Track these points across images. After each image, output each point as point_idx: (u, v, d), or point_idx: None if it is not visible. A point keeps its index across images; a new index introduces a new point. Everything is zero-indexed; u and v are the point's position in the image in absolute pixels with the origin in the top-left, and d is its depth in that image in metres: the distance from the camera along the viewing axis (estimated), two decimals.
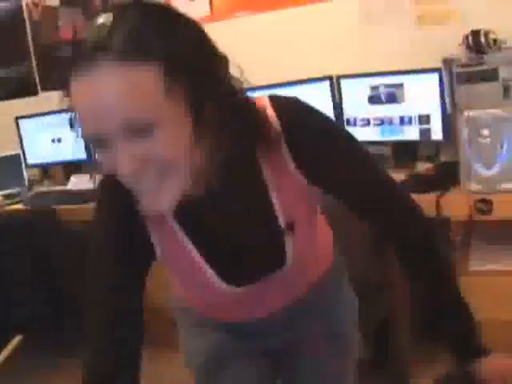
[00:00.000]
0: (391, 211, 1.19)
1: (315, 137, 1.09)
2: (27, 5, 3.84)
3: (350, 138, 1.16)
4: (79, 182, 3.49)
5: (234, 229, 1.14)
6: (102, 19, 0.89)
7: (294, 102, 1.12)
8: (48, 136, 3.69)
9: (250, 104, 1.05)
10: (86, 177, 3.52)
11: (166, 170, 0.93)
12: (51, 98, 3.82)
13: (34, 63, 3.91)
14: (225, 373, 1.39)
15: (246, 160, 1.08)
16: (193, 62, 0.92)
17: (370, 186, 1.16)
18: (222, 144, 1.00)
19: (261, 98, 1.10)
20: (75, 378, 1.08)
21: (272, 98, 1.10)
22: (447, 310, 1.20)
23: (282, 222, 1.14)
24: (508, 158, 2.34)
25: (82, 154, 3.57)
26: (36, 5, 3.82)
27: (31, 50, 3.90)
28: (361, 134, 2.72)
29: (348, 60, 2.88)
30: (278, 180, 1.11)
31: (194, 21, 0.97)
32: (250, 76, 1.07)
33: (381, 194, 1.18)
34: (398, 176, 2.55)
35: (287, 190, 1.13)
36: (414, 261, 1.21)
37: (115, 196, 1.04)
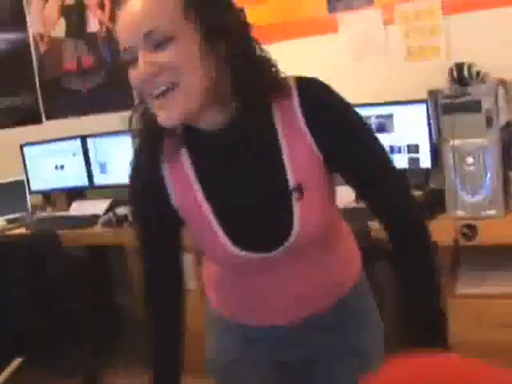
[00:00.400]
0: (389, 199, 1.30)
1: (329, 110, 1.23)
2: (34, 37, 3.98)
3: (363, 122, 1.29)
4: (81, 209, 3.59)
5: (245, 183, 1.24)
6: None
7: (317, 81, 1.27)
8: (51, 163, 3.79)
9: (265, 57, 1.21)
10: (88, 203, 3.63)
11: (174, 78, 1.11)
12: (55, 127, 3.96)
13: (39, 93, 4.04)
14: (234, 372, 1.47)
15: (259, 110, 1.19)
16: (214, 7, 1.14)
17: (375, 167, 1.28)
18: (225, 80, 1.15)
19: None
20: None
21: (297, 76, 1.26)
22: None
23: (291, 182, 1.22)
24: (491, 185, 2.44)
25: (84, 181, 3.69)
26: (42, 37, 3.96)
27: (36, 80, 4.03)
28: None
29: (340, 91, 2.98)
30: (291, 141, 1.21)
31: None
32: None
33: (383, 178, 1.28)
34: None
35: (299, 153, 1.22)
36: (402, 251, 1.31)
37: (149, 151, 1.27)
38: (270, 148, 1.22)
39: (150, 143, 1.25)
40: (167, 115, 1.13)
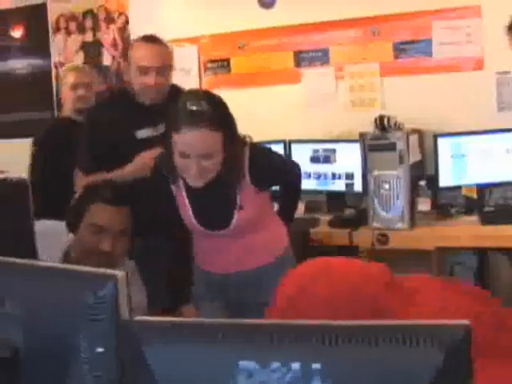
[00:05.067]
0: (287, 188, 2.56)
1: (264, 168, 2.27)
2: (55, 64, 4.84)
3: (283, 163, 2.50)
4: None
5: (211, 202, 2.23)
6: (199, 107, 2.05)
7: (261, 150, 2.35)
8: None
9: (240, 152, 2.19)
10: None
11: (209, 172, 2.10)
12: None
13: (56, 110, 4.87)
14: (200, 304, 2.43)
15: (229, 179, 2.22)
16: (233, 133, 2.14)
17: (284, 181, 2.55)
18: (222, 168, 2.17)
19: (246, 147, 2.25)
20: None
21: (251, 149, 2.24)
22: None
23: (238, 204, 2.26)
24: (401, 205, 3.31)
25: None
26: (62, 65, 4.81)
27: (54, 99, 4.87)
28: (303, 184, 3.67)
29: (298, 129, 3.86)
30: (243, 192, 2.24)
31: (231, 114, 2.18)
32: None
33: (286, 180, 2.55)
34: (328, 217, 3.54)
35: (245, 192, 2.25)
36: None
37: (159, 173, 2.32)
38: (229, 192, 2.25)
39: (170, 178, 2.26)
40: (199, 182, 2.13)
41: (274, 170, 2.36)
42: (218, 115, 2.07)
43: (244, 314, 2.30)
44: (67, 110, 3.69)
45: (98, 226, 2.15)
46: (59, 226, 2.30)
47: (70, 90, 3.60)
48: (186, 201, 2.27)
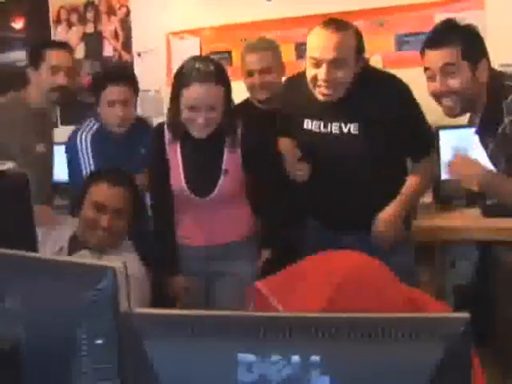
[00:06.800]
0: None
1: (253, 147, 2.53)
2: None
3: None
4: None
5: (203, 165, 2.52)
6: (209, 67, 2.39)
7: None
8: (63, 159, 4.59)
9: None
10: None
11: (213, 122, 2.42)
12: (69, 131, 4.77)
13: None
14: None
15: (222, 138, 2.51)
16: (230, 90, 2.46)
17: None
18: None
19: None
20: None
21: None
22: None
23: (223, 168, 2.51)
24: None
25: None
26: None
27: None
28: None
29: None
30: (229, 154, 2.51)
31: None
32: None
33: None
34: None
35: (230, 161, 2.51)
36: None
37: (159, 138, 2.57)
38: (219, 154, 2.52)
39: (174, 134, 2.51)
40: (204, 132, 2.42)
41: (265, 142, 2.56)
42: (220, 73, 2.41)
43: (222, 284, 2.59)
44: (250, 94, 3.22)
45: (98, 203, 2.31)
46: (68, 218, 2.53)
47: (248, 76, 3.13)
48: (180, 161, 2.49)
